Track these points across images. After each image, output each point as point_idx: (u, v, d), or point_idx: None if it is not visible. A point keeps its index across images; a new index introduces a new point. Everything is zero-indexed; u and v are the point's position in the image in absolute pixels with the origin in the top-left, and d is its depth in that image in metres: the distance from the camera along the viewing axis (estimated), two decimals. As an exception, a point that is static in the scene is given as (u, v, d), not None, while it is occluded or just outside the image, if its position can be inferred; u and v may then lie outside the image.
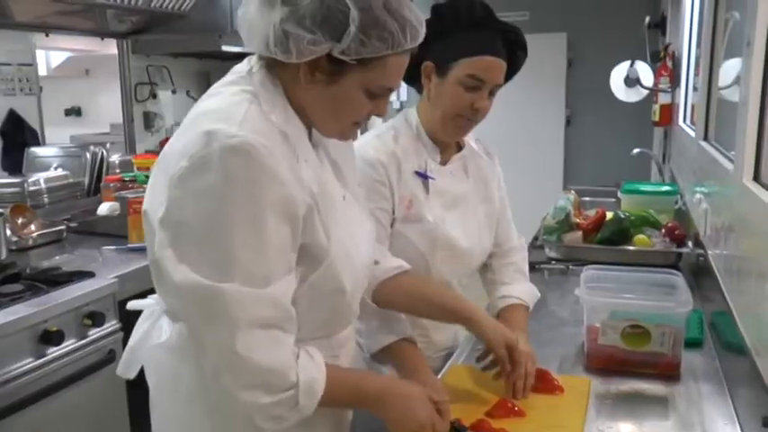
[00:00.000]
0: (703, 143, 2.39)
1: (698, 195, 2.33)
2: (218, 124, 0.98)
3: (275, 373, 1.00)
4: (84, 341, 2.31)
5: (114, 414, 2.51)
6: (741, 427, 1.29)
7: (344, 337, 1.21)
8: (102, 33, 3.87)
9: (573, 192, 2.98)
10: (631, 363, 1.51)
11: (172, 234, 0.98)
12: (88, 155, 3.40)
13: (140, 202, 2.72)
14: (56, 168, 3.32)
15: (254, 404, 1.00)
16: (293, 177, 1.00)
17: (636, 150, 3.92)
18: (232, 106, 1.02)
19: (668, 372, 1.50)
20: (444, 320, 1.49)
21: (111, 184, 3.14)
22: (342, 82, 1.04)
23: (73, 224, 2.99)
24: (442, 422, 1.16)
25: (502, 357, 1.34)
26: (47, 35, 3.48)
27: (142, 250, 2.75)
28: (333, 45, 1.00)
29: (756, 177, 1.41)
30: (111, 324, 2.43)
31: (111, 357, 2.42)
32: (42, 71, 5.42)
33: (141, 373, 1.21)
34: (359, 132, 1.28)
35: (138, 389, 2.60)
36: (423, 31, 1.05)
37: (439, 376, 1.46)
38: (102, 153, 3.41)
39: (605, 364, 1.53)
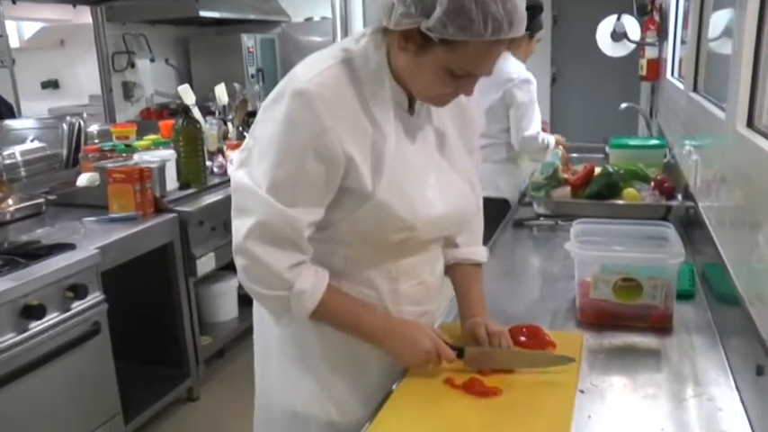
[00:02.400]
0: (693, 94, 2.35)
1: (687, 148, 2.30)
2: (301, 70, 1.17)
3: (272, 271, 1.16)
4: (67, 314, 2.28)
5: (104, 386, 2.49)
6: (734, 376, 1.28)
7: (408, 266, 1.32)
8: (74, 0, 3.75)
9: (561, 147, 2.94)
10: (623, 316, 1.50)
11: (248, 145, 1.22)
12: (65, 126, 3.32)
13: (120, 172, 2.74)
14: (32, 141, 3.24)
15: (254, 291, 1.21)
16: (346, 132, 1.14)
17: (624, 105, 3.88)
18: (320, 61, 1.18)
19: (660, 324, 1.49)
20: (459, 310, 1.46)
21: (90, 155, 3.07)
22: (427, 55, 1.13)
23: (52, 197, 2.94)
24: (448, 349, 1.24)
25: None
26: (14, 2, 3.37)
27: (124, 220, 2.77)
28: (422, 20, 1.09)
29: (750, 124, 1.37)
30: (95, 296, 2.39)
31: (96, 329, 2.39)
32: (14, 43, 5.30)
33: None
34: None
35: (126, 360, 2.62)
36: (509, 27, 1.08)
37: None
38: (80, 123, 3.33)
39: (597, 318, 1.52)
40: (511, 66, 3.00)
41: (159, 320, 3.04)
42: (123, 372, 2.57)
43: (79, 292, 2.30)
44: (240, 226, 1.17)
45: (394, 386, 1.26)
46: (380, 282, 1.30)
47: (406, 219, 1.21)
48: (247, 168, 1.19)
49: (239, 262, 1.20)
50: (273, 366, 1.38)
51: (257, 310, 1.41)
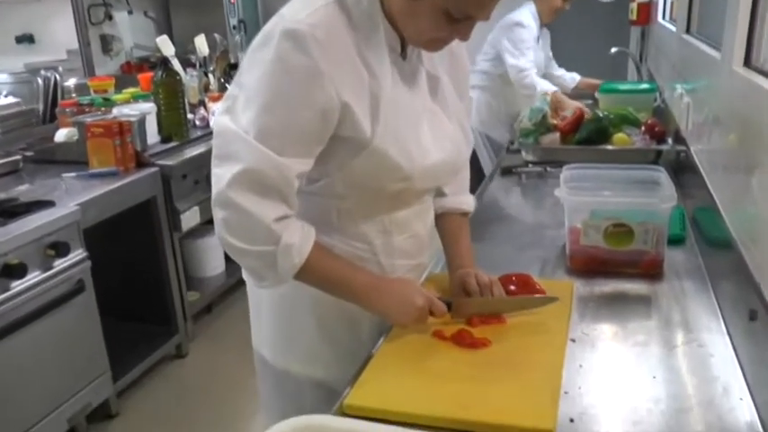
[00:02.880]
0: (686, 36, 2.30)
1: (679, 91, 2.25)
2: (289, 10, 1.09)
3: (258, 223, 1.07)
4: (49, 273, 2.24)
5: (91, 345, 2.48)
6: (725, 321, 1.27)
7: (402, 218, 1.27)
8: (46, -52, 3.60)
9: (549, 93, 2.88)
10: (614, 263, 1.48)
11: (232, 93, 1.13)
12: (40, 80, 3.23)
13: (99, 126, 2.67)
14: (6, 96, 3.14)
15: (234, 247, 1.10)
16: (342, 77, 1.07)
17: (614, 49, 3.81)
18: (311, 1, 1.09)
19: (651, 270, 1.48)
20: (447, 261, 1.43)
21: (68, 110, 2.99)
22: None
23: (29, 153, 2.88)
24: (441, 304, 1.21)
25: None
26: (-19, -49, 3.23)
27: (104, 176, 2.71)
28: None
29: (747, 63, 1.32)
30: (77, 254, 2.35)
31: (80, 287, 2.35)
32: (-15, -5, 5.11)
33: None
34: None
35: (113, 318, 2.60)
36: None
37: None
38: (55, 78, 3.23)
39: (588, 265, 1.50)
40: (517, 14, 3.40)
41: (145, 277, 3.01)
42: (110, 330, 2.55)
43: (61, 249, 2.25)
44: (223, 174, 1.08)
45: (381, 340, 1.23)
46: (374, 235, 1.26)
47: (403, 167, 1.15)
48: (232, 116, 1.10)
49: (219, 214, 1.10)
50: (266, 324, 1.35)
51: None
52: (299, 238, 1.11)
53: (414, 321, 1.20)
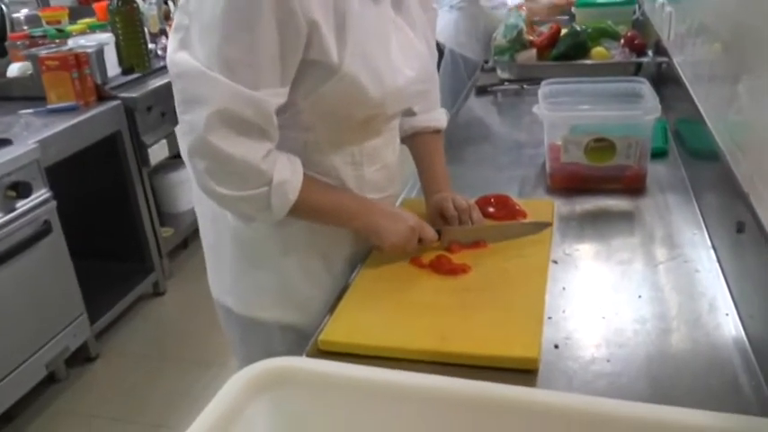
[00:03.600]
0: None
1: (660, 0, 2.16)
2: None
3: (249, 165, 1.01)
4: (12, 214, 2.15)
5: (64, 287, 2.42)
6: (710, 235, 1.24)
7: (372, 148, 1.21)
8: None
9: (524, 8, 2.77)
10: (596, 179, 1.45)
11: (181, 23, 1.01)
12: (-15, 12, 3.03)
13: (54, 59, 2.52)
14: (-50, 30, 2.96)
15: (222, 195, 1.03)
16: None
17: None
18: None
19: (634, 185, 1.45)
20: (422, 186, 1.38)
21: (19, 42, 2.83)
22: None
23: (-20, 90, 2.72)
24: (430, 228, 1.19)
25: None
26: None
27: (64, 111, 2.59)
28: None
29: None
30: (41, 193, 2.26)
31: (46, 229, 2.27)
32: None
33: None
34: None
35: (86, 259, 2.52)
36: None
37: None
38: (2, 9, 3.03)
39: (568, 183, 1.47)
40: None
41: (116, 215, 2.92)
42: (84, 271, 2.49)
43: (22, 190, 2.16)
44: (195, 119, 0.98)
45: (355, 273, 1.19)
46: (344, 168, 1.17)
47: (374, 92, 1.07)
48: (189, 50, 0.98)
49: (200, 164, 1.01)
50: (228, 270, 1.25)
51: (201, 203, 1.23)
52: (290, 173, 1.05)
53: (404, 242, 1.16)
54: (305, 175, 1.08)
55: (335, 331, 1.01)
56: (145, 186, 2.91)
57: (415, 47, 1.18)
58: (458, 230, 1.24)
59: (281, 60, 0.99)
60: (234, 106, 0.97)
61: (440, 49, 3.33)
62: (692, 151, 1.51)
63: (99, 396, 2.47)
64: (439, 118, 1.37)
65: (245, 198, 1.03)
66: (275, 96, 1.00)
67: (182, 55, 0.99)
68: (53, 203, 2.30)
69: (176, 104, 1.02)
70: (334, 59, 1.01)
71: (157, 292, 3.07)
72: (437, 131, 1.37)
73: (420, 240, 1.18)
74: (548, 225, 1.26)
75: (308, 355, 0.98)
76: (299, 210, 1.08)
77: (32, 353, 2.26)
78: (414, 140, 1.35)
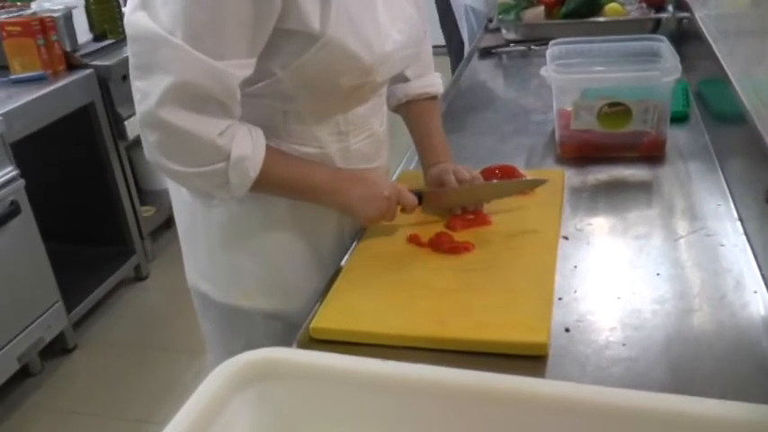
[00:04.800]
0: None
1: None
2: None
3: (203, 141, 1.00)
4: (-24, 196, 2.13)
5: (36, 272, 2.42)
6: (736, 205, 1.24)
7: (358, 117, 1.20)
8: None
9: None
10: (610, 147, 1.45)
11: None
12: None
13: (16, 24, 2.49)
14: None
15: (174, 171, 1.03)
16: None
17: None
18: None
19: (652, 152, 1.44)
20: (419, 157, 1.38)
21: (-24, 7, 2.79)
22: None
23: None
24: (410, 195, 1.18)
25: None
26: None
27: (30, 81, 2.56)
28: None
29: None
30: (7, 171, 2.25)
31: (14, 210, 2.27)
32: None
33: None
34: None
35: (62, 242, 2.52)
36: None
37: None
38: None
39: (580, 152, 1.47)
40: None
41: (92, 194, 2.92)
42: (58, 255, 2.49)
43: (-15, 168, 2.14)
44: (149, 89, 0.96)
45: (348, 253, 1.18)
46: (328, 139, 1.16)
47: (362, 58, 1.05)
48: (150, 11, 0.96)
49: (150, 136, 1.00)
50: (204, 253, 1.23)
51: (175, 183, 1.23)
52: (250, 148, 1.03)
53: (381, 215, 1.16)
54: (268, 147, 1.07)
55: (328, 317, 1.00)
56: (122, 162, 2.89)
57: (404, 8, 1.16)
58: (441, 192, 1.24)
59: (252, 28, 0.97)
60: (194, 79, 0.95)
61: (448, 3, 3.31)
62: (717, 114, 1.51)
63: (78, 390, 2.47)
64: (434, 83, 1.36)
65: (200, 174, 1.02)
66: (240, 68, 0.99)
67: (141, 15, 0.96)
68: (21, 182, 2.29)
69: (130, 68, 1.00)
70: (315, 27, 0.99)
71: (139, 276, 3.07)
72: (433, 98, 1.36)
73: (402, 209, 1.17)
74: (541, 182, 1.26)
75: (298, 345, 0.98)
76: (262, 186, 1.07)
77: (3, 345, 2.25)
78: (408, 109, 1.34)
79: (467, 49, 3.19)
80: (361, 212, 1.15)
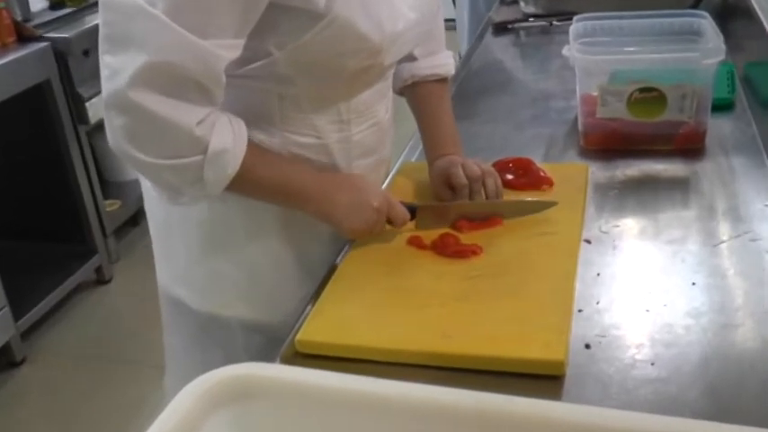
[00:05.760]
0: None
1: None
2: None
3: (179, 130, 1.00)
4: None
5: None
6: None
7: (362, 103, 1.22)
8: None
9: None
10: (641, 138, 1.47)
11: None
12: None
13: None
14: None
15: (145, 162, 1.02)
16: None
17: None
18: None
19: (690, 145, 1.46)
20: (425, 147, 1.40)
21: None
22: None
23: None
24: (401, 207, 1.19)
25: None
26: None
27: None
28: None
29: None
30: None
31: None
32: None
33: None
34: None
35: (12, 240, 2.54)
36: None
37: (388, 179, 1.42)
38: None
39: (606, 143, 1.49)
40: None
41: (47, 185, 2.94)
42: (7, 254, 2.51)
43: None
44: (120, 65, 0.96)
45: (340, 256, 1.20)
46: (327, 129, 1.18)
47: (372, 38, 1.07)
48: None
49: (117, 120, 0.99)
50: (180, 255, 1.25)
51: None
52: (230, 141, 1.04)
53: (367, 227, 1.16)
54: (250, 142, 1.08)
55: (316, 328, 1.02)
56: (83, 149, 2.92)
57: None
58: (436, 207, 1.25)
59: (243, 3, 0.98)
60: (173, 58, 0.95)
61: None
62: (767, 102, 1.52)
63: (26, 409, 2.50)
64: (445, 63, 1.38)
65: (171, 167, 1.02)
66: (227, 49, 0.99)
67: None
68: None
69: (100, 39, 1.00)
70: (320, 3, 1.01)
71: (101, 279, 3.10)
72: (443, 79, 1.38)
73: (390, 222, 1.19)
74: (551, 204, 1.25)
75: (282, 360, 0.99)
76: (239, 186, 1.08)
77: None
78: (415, 91, 1.36)
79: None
80: (345, 223, 1.16)
